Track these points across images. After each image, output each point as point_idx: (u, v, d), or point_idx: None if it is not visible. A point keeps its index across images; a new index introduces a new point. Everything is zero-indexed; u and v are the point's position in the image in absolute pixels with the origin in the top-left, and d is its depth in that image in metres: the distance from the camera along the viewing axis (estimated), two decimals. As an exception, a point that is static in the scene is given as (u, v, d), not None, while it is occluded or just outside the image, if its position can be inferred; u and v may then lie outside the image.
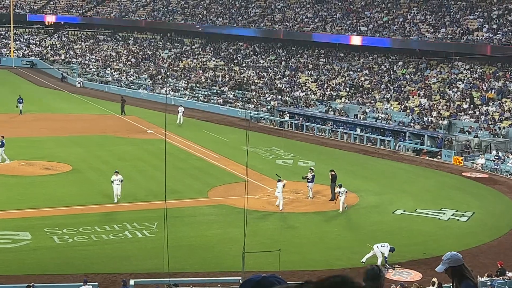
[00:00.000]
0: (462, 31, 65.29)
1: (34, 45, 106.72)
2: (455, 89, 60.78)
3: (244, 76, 78.17)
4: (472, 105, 57.27)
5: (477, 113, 55.95)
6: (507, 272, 26.67)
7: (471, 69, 63.34)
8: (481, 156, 49.56)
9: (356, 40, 72.24)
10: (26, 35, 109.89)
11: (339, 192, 36.65)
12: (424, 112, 57.82)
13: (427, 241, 32.83)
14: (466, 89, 60.25)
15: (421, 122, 56.10)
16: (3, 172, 43.20)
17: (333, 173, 39.06)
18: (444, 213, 37.02)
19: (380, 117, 59.20)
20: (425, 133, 54.06)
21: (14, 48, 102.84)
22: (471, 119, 55.24)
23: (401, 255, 30.43)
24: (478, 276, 25.95)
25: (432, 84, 63.09)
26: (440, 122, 55.44)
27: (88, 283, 24.91)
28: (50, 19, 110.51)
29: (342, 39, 74.07)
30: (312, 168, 40.45)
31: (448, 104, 58.59)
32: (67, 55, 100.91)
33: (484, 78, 61.34)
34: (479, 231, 34.65)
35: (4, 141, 45.47)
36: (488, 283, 24.91)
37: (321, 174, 40.08)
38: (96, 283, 25.43)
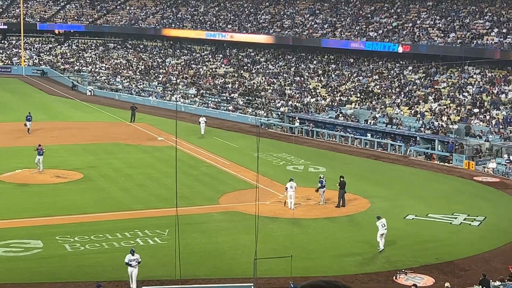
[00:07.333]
0: (471, 35, 65.17)
1: (44, 54, 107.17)
2: (466, 93, 60.62)
3: (254, 83, 78.20)
4: (482, 109, 57.10)
5: (488, 117, 55.76)
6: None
7: (482, 73, 63.16)
8: (492, 160, 49.34)
9: (362, 45, 72.15)
10: (36, 44, 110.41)
11: (287, 188, 37.81)
12: (434, 117, 57.70)
13: (439, 246, 32.70)
14: (477, 93, 60.09)
15: (431, 127, 55.94)
16: (15, 180, 43.35)
17: (342, 179, 38.92)
18: (456, 218, 36.88)
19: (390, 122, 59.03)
20: (435, 138, 53.91)
21: (24, 57, 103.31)
22: (482, 123, 55.07)
23: (414, 260, 30.35)
24: (491, 280, 25.86)
25: (442, 89, 62.94)
26: (451, 126, 55.27)
27: (100, 288, 24.84)
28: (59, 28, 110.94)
29: (351, 44, 73.96)
30: (321, 175, 40.18)
31: (458, 108, 58.42)
32: (77, 64, 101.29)
33: (494, 82, 61.14)
34: (491, 236, 34.47)
35: (43, 149, 45.45)
36: (501, 288, 24.81)
37: (333, 180, 39.95)
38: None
